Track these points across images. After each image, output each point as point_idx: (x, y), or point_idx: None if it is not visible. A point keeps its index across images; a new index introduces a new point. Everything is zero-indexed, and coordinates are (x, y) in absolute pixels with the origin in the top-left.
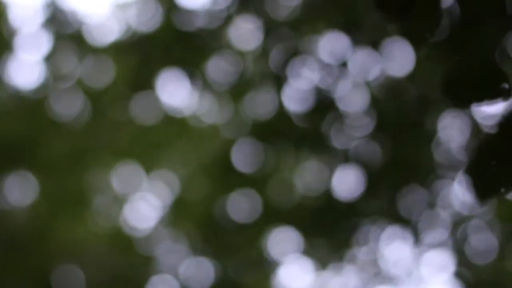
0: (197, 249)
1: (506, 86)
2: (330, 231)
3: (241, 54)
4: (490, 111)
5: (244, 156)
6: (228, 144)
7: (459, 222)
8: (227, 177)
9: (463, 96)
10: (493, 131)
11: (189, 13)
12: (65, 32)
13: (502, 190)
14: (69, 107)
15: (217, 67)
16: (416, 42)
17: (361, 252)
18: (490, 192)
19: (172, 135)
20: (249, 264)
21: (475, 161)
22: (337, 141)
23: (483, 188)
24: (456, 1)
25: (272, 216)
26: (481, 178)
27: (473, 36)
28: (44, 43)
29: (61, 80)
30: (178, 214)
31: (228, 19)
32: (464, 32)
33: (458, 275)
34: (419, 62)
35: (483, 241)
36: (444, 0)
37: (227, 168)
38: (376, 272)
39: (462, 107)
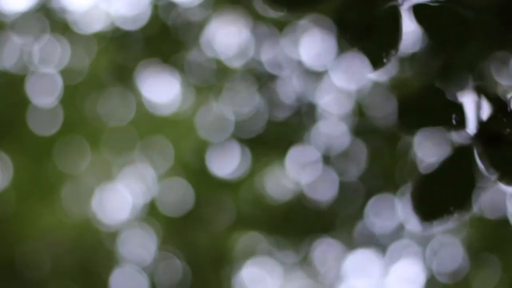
0: (166, 248)
1: (457, 118)
2: (297, 235)
3: (224, 50)
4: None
5: (219, 157)
6: (204, 144)
7: (429, 237)
8: (201, 178)
9: (413, 124)
10: (440, 159)
11: (175, 7)
12: (52, 17)
13: (444, 217)
14: (48, 93)
15: (199, 64)
16: (373, 62)
17: (325, 260)
18: (432, 219)
19: (149, 130)
20: (215, 266)
21: (418, 189)
22: (314, 146)
23: (425, 215)
24: (421, 27)
25: (242, 218)
26: (424, 206)
27: (433, 62)
28: (31, 26)
29: (43, 65)
30: (149, 210)
31: (212, 15)
32: (424, 58)
33: None
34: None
35: (453, 259)
36: (406, 25)
37: (201, 169)
38: (339, 281)
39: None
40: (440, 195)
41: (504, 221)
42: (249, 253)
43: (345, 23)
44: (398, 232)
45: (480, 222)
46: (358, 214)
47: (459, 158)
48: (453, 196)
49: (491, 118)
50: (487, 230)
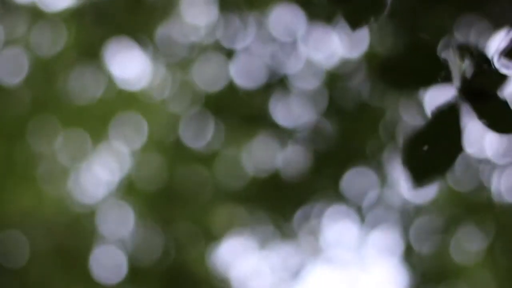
0: (144, 224)
1: (442, 74)
2: (274, 208)
3: (193, 25)
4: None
5: (193, 131)
6: (177, 118)
7: (406, 207)
8: (176, 152)
9: (398, 81)
10: (427, 119)
11: None
12: None
13: (436, 175)
14: (17, 73)
15: (169, 38)
16: (353, 25)
17: (304, 231)
18: (425, 177)
19: (121, 107)
20: (194, 240)
21: (408, 148)
22: (286, 119)
23: (417, 173)
24: None
25: (219, 192)
26: (415, 164)
27: (414, 20)
28: None
29: (10, 45)
30: (125, 187)
31: None
32: (405, 16)
33: (404, 259)
34: (372, 44)
35: (430, 228)
36: None
37: (175, 143)
38: (318, 251)
39: (397, 92)
40: (430, 153)
41: (475, 190)
42: (228, 227)
43: None
44: (376, 202)
45: (454, 191)
46: (335, 185)
47: (447, 114)
48: (443, 153)
49: (475, 75)
50: (461, 199)
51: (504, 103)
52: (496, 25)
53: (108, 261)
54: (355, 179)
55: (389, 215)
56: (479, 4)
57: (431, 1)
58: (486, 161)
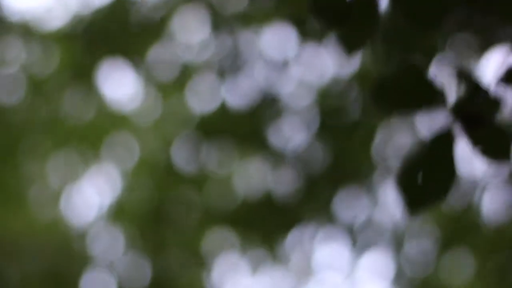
0: (135, 247)
1: (435, 97)
2: (266, 230)
3: (186, 46)
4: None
5: (184, 154)
6: (169, 140)
7: (397, 228)
8: (167, 174)
9: (390, 104)
10: (423, 143)
11: (135, 3)
12: (9, 17)
13: (432, 202)
14: (9, 93)
15: (161, 59)
16: (348, 49)
17: (295, 254)
18: (420, 204)
19: (112, 128)
20: (185, 263)
21: (403, 174)
22: (278, 140)
23: (412, 201)
24: (393, 10)
25: (210, 214)
26: (410, 191)
27: (409, 45)
28: None
29: (2, 65)
30: (116, 210)
31: (174, 9)
32: (399, 41)
33: (395, 282)
34: (365, 63)
35: (420, 250)
36: (381, 7)
37: (167, 166)
38: (309, 274)
39: (389, 115)
40: (425, 180)
41: (466, 211)
42: (220, 250)
43: (321, 9)
44: (367, 224)
45: (444, 212)
46: (326, 207)
47: (442, 142)
48: (438, 181)
49: (469, 100)
50: (451, 221)
51: (499, 129)
52: (490, 46)
53: (98, 285)
54: (346, 200)
55: (381, 237)
56: (473, 24)
57: (424, 22)
58: (476, 182)
